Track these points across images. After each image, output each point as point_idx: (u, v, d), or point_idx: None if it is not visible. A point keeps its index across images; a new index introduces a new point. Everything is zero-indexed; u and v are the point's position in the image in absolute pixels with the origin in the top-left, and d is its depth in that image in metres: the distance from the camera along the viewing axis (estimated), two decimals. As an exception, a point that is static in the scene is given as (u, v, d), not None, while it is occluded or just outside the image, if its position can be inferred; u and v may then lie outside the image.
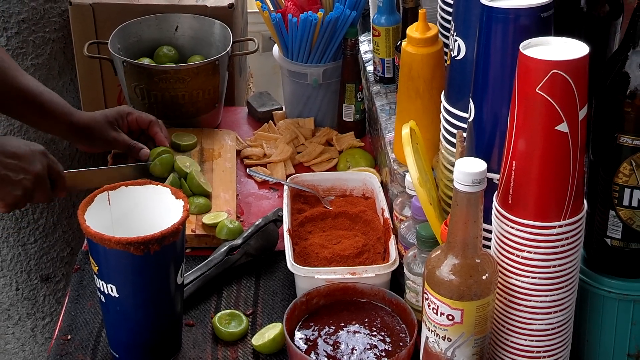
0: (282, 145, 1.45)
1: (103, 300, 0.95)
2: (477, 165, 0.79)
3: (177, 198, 0.98)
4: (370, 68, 1.47)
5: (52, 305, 1.88)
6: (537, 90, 0.77)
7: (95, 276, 0.94)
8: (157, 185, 0.99)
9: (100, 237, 0.89)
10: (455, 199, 0.81)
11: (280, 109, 1.58)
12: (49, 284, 1.86)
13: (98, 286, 0.94)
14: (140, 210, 0.99)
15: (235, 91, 1.69)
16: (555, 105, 0.76)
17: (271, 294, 1.13)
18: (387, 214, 1.18)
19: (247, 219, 1.31)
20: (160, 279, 0.94)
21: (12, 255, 1.80)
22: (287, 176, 1.39)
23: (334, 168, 1.42)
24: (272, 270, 1.18)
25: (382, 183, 1.28)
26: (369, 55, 1.51)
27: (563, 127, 0.77)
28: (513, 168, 0.81)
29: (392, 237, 1.13)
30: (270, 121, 1.54)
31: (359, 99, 1.46)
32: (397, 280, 1.10)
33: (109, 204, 0.98)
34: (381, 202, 1.21)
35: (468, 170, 0.79)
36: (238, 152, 1.45)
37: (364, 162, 1.40)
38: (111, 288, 0.92)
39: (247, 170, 1.39)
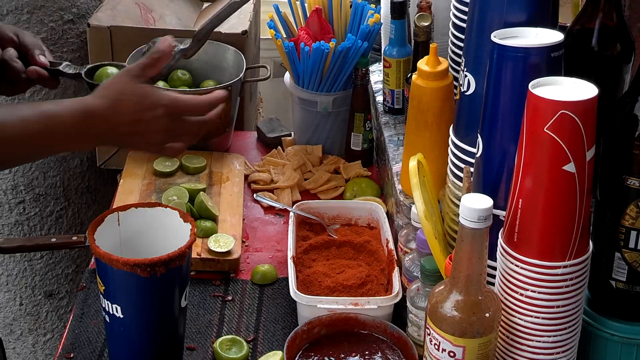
0: (289, 172, 1.46)
1: (107, 320, 0.95)
2: (483, 201, 0.80)
3: (185, 221, 0.98)
4: (379, 98, 1.48)
5: (54, 321, 1.88)
6: (545, 130, 0.77)
7: (101, 295, 0.95)
8: (166, 207, 1.00)
9: (108, 258, 0.90)
10: (460, 234, 0.81)
11: (290, 135, 1.59)
12: (53, 300, 1.86)
13: (103, 306, 0.95)
14: (149, 232, 1.00)
15: (244, 116, 1.71)
16: (562, 145, 0.77)
17: (273, 321, 1.13)
18: (391, 245, 1.18)
19: (252, 244, 1.31)
20: (165, 302, 0.94)
21: (17, 270, 1.81)
22: (294, 202, 1.40)
23: (341, 196, 1.43)
24: (275, 297, 1.18)
25: (387, 213, 1.29)
26: (379, 86, 1.53)
27: (570, 167, 0.78)
28: (519, 206, 0.81)
29: (396, 269, 1.13)
30: (279, 147, 1.56)
31: (368, 129, 1.47)
32: (399, 312, 1.10)
33: (119, 224, 0.99)
34: (386, 232, 1.22)
35: (474, 206, 0.79)
36: (246, 177, 1.46)
37: (370, 192, 1.41)
38: (116, 308, 0.93)
39: (255, 196, 1.40)
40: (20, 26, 1.61)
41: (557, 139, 0.77)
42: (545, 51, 0.84)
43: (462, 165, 0.99)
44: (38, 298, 1.85)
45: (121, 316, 0.93)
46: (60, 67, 1.10)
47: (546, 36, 0.87)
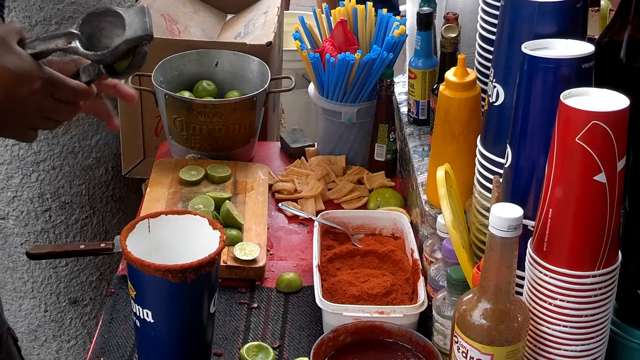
0: (313, 182, 1.47)
1: (138, 324, 0.96)
2: (513, 210, 0.80)
3: (214, 229, 1.00)
4: (404, 109, 1.49)
5: (78, 328, 1.90)
6: (576, 140, 0.78)
7: (132, 301, 0.96)
8: (195, 215, 1.02)
9: (140, 263, 0.92)
10: (489, 244, 0.82)
11: (313, 145, 1.60)
12: (77, 307, 1.88)
13: (134, 311, 0.96)
14: (178, 239, 1.01)
15: (268, 126, 1.72)
16: (594, 155, 0.78)
17: (298, 328, 1.14)
18: (416, 255, 1.19)
19: (276, 253, 1.32)
20: (195, 307, 0.95)
21: (43, 277, 1.84)
22: (317, 212, 1.41)
23: (364, 206, 1.44)
24: (300, 305, 1.19)
25: (411, 223, 1.29)
26: (403, 97, 1.54)
27: (601, 178, 0.78)
28: (549, 216, 0.82)
29: (421, 278, 1.13)
30: (303, 157, 1.57)
31: (392, 139, 1.48)
32: (424, 321, 1.10)
33: (149, 231, 1.00)
34: (411, 242, 1.22)
35: (504, 215, 0.80)
36: (270, 186, 1.48)
37: (394, 202, 1.42)
38: (147, 313, 0.94)
39: (280, 205, 1.41)
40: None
41: (589, 149, 0.77)
42: (576, 62, 0.85)
43: (490, 176, 1.00)
44: (63, 305, 1.87)
45: (152, 321, 0.94)
46: (82, 78, 0.92)
47: (576, 47, 0.88)
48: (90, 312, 1.90)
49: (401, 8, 4.38)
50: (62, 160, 1.75)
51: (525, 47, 0.88)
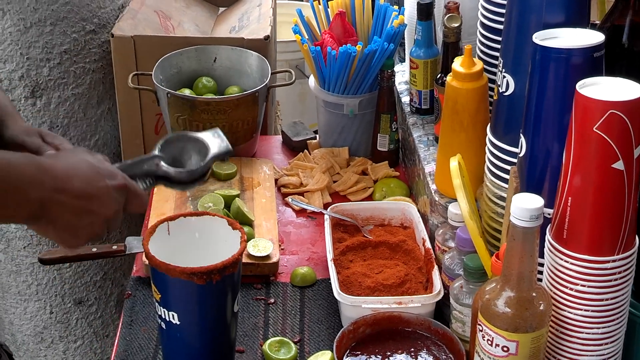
0: (318, 175, 1.48)
1: (163, 327, 0.97)
2: (534, 201, 0.82)
3: (233, 229, 1.01)
4: (405, 99, 1.51)
5: (84, 328, 1.91)
6: (594, 129, 0.80)
7: (156, 303, 0.97)
8: (214, 216, 1.02)
9: (165, 267, 0.92)
10: (511, 234, 0.84)
11: (315, 138, 1.61)
12: (82, 307, 1.88)
13: (159, 313, 0.97)
14: (198, 240, 1.02)
15: (267, 120, 1.73)
16: (611, 143, 0.79)
17: (317, 321, 1.16)
18: (428, 244, 1.21)
19: (287, 247, 1.33)
20: (219, 307, 0.96)
21: (47, 279, 1.83)
22: (325, 205, 1.42)
23: (370, 197, 1.45)
24: (316, 298, 1.21)
25: (419, 212, 1.31)
26: (404, 86, 1.55)
27: (619, 165, 0.80)
28: (569, 204, 0.84)
29: (435, 267, 1.15)
30: (305, 150, 1.58)
31: (394, 129, 1.49)
32: (439, 310, 1.12)
33: (169, 233, 1.01)
34: (421, 232, 1.24)
35: (526, 205, 0.82)
36: (275, 181, 1.48)
37: (399, 192, 1.43)
38: (173, 315, 0.95)
39: (290, 200, 1.42)
40: (44, 38, 1.63)
41: (607, 138, 0.79)
42: (588, 52, 0.87)
43: (501, 164, 1.02)
44: (68, 306, 1.87)
45: (178, 323, 0.95)
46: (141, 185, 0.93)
47: (586, 36, 0.89)
48: (95, 312, 1.91)
49: None
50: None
51: (536, 38, 0.89)
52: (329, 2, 1.53)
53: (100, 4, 1.69)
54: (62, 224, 0.80)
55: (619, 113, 0.78)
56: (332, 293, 1.13)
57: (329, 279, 1.18)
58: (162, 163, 0.90)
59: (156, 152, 0.91)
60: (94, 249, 1.27)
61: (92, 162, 0.83)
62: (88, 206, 0.80)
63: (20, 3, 1.59)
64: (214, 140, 0.93)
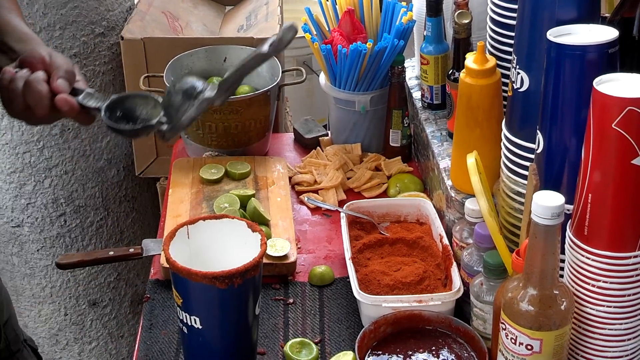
0: (332, 172, 1.48)
1: (185, 331, 0.98)
2: (555, 198, 0.82)
3: (253, 231, 1.01)
4: (416, 94, 1.50)
5: (98, 329, 1.92)
6: (613, 126, 0.80)
7: (178, 308, 0.97)
8: (233, 218, 1.03)
9: (186, 271, 0.93)
10: (533, 232, 0.84)
11: (327, 135, 1.61)
12: (97, 309, 1.90)
13: (181, 318, 0.98)
14: (217, 243, 1.02)
15: (279, 118, 1.73)
16: (631, 140, 0.79)
17: (336, 321, 1.16)
18: (446, 241, 1.21)
19: (304, 246, 1.34)
20: (241, 311, 0.97)
21: (61, 282, 1.85)
22: (340, 202, 1.42)
23: (384, 193, 1.45)
24: (335, 297, 1.21)
25: (435, 207, 1.31)
26: (414, 82, 1.55)
27: (638, 161, 0.80)
28: (589, 200, 0.84)
29: (454, 264, 1.15)
30: (318, 147, 1.58)
31: (406, 125, 1.49)
32: (459, 307, 1.13)
33: (188, 237, 1.01)
34: (438, 228, 1.24)
35: (547, 203, 0.82)
36: (289, 179, 1.49)
37: (413, 187, 1.43)
38: (195, 320, 0.95)
39: (306, 199, 1.42)
40: (54, 42, 1.63)
41: (626, 134, 0.79)
42: (603, 48, 0.87)
43: (517, 160, 1.02)
44: (82, 307, 1.89)
45: (200, 327, 0.96)
46: (80, 98, 0.95)
47: (600, 32, 0.89)
48: (110, 313, 1.92)
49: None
50: (74, 164, 1.75)
51: (550, 35, 0.89)
52: (337, 0, 1.53)
53: (108, 7, 1.69)
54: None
55: (637, 109, 0.79)
56: (351, 292, 1.13)
57: (347, 278, 1.18)
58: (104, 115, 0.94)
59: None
60: (111, 252, 1.28)
61: None
62: None
63: (29, 8, 1.59)
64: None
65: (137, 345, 1.12)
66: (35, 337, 1.89)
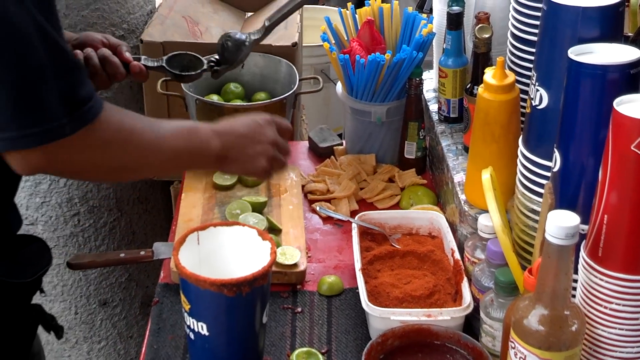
0: (345, 182, 1.48)
1: (192, 337, 0.98)
2: (570, 218, 0.81)
3: (263, 239, 1.01)
4: (433, 107, 1.50)
5: (108, 329, 1.92)
6: (632, 148, 0.79)
7: (185, 314, 0.97)
8: (243, 226, 1.03)
9: (195, 278, 0.93)
10: (546, 251, 0.83)
11: (341, 144, 1.61)
12: (107, 308, 1.90)
13: (188, 324, 0.97)
14: (227, 250, 1.02)
15: (294, 126, 1.73)
16: (649, 162, 0.78)
17: (344, 332, 1.16)
18: (457, 255, 1.20)
19: (314, 255, 1.33)
20: (249, 319, 0.97)
21: (73, 280, 1.85)
22: (352, 212, 1.42)
23: (397, 205, 1.45)
24: (343, 308, 1.21)
25: (447, 221, 1.30)
26: (432, 94, 1.54)
27: (656, 184, 0.79)
28: (604, 222, 0.83)
29: (465, 279, 1.14)
30: (332, 156, 1.58)
31: (421, 137, 1.49)
32: (468, 322, 1.12)
33: (198, 243, 1.01)
34: (450, 242, 1.23)
35: (562, 223, 0.81)
36: (302, 187, 1.48)
37: (427, 200, 1.43)
38: (202, 326, 0.95)
39: (318, 208, 1.42)
40: (73, 43, 1.64)
41: (644, 156, 0.78)
42: (625, 68, 0.86)
43: (533, 177, 1.01)
44: (93, 307, 1.89)
45: (207, 334, 0.96)
46: (142, 61, 1.20)
47: (621, 52, 0.88)
48: (120, 313, 1.92)
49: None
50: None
51: (571, 53, 0.88)
52: (357, 10, 1.53)
53: (129, 10, 1.70)
54: (242, 158, 1.07)
55: (658, 132, 0.77)
56: (360, 303, 1.12)
57: (356, 289, 1.18)
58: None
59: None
60: (122, 255, 1.28)
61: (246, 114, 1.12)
62: (254, 137, 1.08)
63: (51, 8, 1.60)
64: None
65: (144, 349, 1.12)
66: (44, 335, 1.89)
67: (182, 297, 0.97)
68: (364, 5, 1.52)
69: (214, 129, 1.06)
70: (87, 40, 1.17)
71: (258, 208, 1.35)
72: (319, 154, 1.60)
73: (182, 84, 1.50)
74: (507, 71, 1.12)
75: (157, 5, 1.82)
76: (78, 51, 1.14)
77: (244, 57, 1.25)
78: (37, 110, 0.86)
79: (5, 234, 1.06)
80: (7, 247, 1.05)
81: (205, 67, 1.25)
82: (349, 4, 1.54)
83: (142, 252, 1.27)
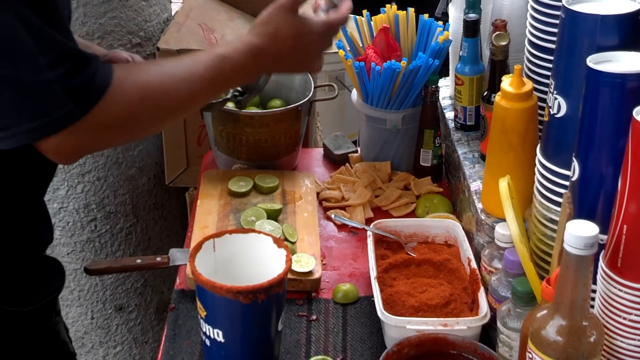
0: (360, 189, 1.47)
1: (208, 344, 0.98)
2: (589, 228, 0.81)
3: (278, 247, 1.01)
4: (449, 114, 1.49)
5: (123, 334, 1.93)
6: (651, 157, 0.78)
7: (201, 320, 0.97)
8: (259, 233, 1.03)
9: (211, 285, 0.93)
10: (564, 261, 0.82)
11: (356, 151, 1.61)
12: (123, 313, 1.91)
13: (204, 330, 0.98)
14: (243, 257, 1.02)
15: (309, 133, 1.73)
16: (669, 172, 0.78)
17: (359, 340, 1.15)
18: (474, 264, 1.19)
19: (329, 262, 1.33)
20: (264, 326, 0.97)
21: (89, 286, 1.86)
22: (367, 220, 1.42)
23: (412, 213, 1.44)
24: (359, 316, 1.20)
25: (464, 230, 1.30)
26: (447, 102, 1.54)
27: (677, 194, 0.78)
28: (624, 232, 0.82)
29: (482, 288, 1.14)
30: (347, 164, 1.57)
31: (437, 145, 1.48)
32: (485, 332, 1.11)
33: (214, 250, 1.01)
34: (466, 251, 1.23)
35: (581, 233, 0.80)
36: (316, 194, 1.48)
37: (442, 208, 1.42)
38: (217, 333, 0.95)
39: (333, 216, 1.42)
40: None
41: (665, 166, 0.77)
42: (644, 76, 0.85)
43: (551, 186, 1.00)
44: (109, 312, 1.90)
45: (222, 340, 0.96)
46: None
47: (640, 60, 0.88)
48: (135, 318, 1.93)
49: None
50: (107, 171, 1.77)
51: (590, 62, 0.88)
52: (372, 17, 1.53)
53: (146, 17, 1.72)
54: (290, 69, 1.20)
55: (678, 141, 0.77)
56: (375, 311, 1.12)
57: (372, 297, 1.17)
58: None
59: None
60: (138, 261, 1.29)
61: (291, 24, 1.07)
62: (300, 55, 1.09)
63: (69, 16, 1.62)
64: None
65: (160, 355, 1.12)
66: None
67: (198, 304, 0.97)
68: (380, 13, 1.52)
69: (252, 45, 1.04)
70: (114, 58, 1.19)
71: (273, 215, 1.35)
72: (334, 161, 1.60)
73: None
74: (525, 79, 1.11)
75: (173, 13, 1.84)
76: None
77: (263, 84, 1.26)
78: (43, 100, 0.87)
79: (34, 246, 1.06)
80: (24, 269, 1.04)
81: (229, 96, 1.27)
82: (364, 12, 1.54)
83: (159, 258, 1.27)
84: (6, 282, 1.03)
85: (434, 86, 1.44)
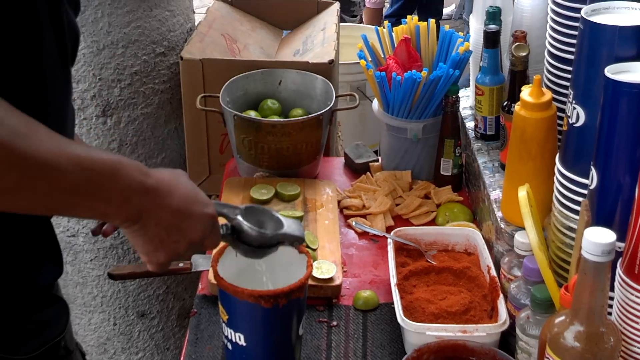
0: (381, 198, 1.49)
1: (229, 347, 1.00)
2: (606, 235, 0.81)
3: (299, 252, 1.02)
4: (469, 124, 1.51)
5: (145, 340, 1.95)
6: (669, 166, 0.79)
7: (224, 324, 0.99)
8: (281, 239, 1.04)
9: (233, 289, 0.95)
10: (582, 268, 0.83)
11: (377, 160, 1.62)
12: (145, 320, 1.93)
13: (226, 334, 0.99)
14: (264, 262, 1.04)
15: (330, 142, 1.75)
16: (687, 180, 0.78)
17: (379, 346, 1.16)
18: (493, 272, 1.20)
19: (349, 269, 1.35)
20: (285, 330, 0.98)
21: (112, 292, 1.89)
22: (387, 228, 1.43)
23: (433, 221, 1.45)
24: (379, 323, 1.21)
25: (484, 238, 1.30)
26: (468, 112, 1.55)
27: (695, 202, 0.79)
28: (642, 239, 0.83)
29: (501, 296, 1.14)
30: (368, 173, 1.59)
31: (458, 154, 1.50)
32: (504, 339, 1.12)
33: (236, 255, 1.03)
34: (486, 259, 1.24)
35: (598, 240, 0.81)
36: (337, 202, 1.50)
37: (462, 217, 1.43)
38: (239, 337, 0.97)
39: (354, 224, 1.43)
40: (116, 60, 1.69)
41: (683, 174, 0.78)
42: (662, 86, 0.86)
43: (570, 195, 1.01)
44: (131, 318, 1.93)
45: (244, 344, 0.97)
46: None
47: (660, 70, 0.89)
48: (157, 325, 1.95)
49: (445, 10, 4.39)
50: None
51: (608, 72, 0.89)
52: (393, 28, 1.55)
53: (170, 27, 1.75)
54: (151, 235, 0.81)
55: (696, 150, 0.77)
56: (395, 318, 1.13)
57: (392, 303, 1.19)
58: (240, 216, 0.92)
59: (241, 206, 0.95)
60: None
61: (193, 186, 0.85)
62: (179, 225, 0.82)
63: (94, 26, 1.65)
64: (292, 225, 0.97)
65: (182, 358, 1.14)
66: (84, 345, 1.94)
67: (221, 308, 0.99)
68: (401, 24, 1.54)
69: (148, 176, 0.79)
70: None
71: (294, 222, 1.37)
72: (355, 170, 1.62)
73: (220, 101, 1.53)
74: (544, 89, 1.12)
75: (196, 24, 1.87)
76: None
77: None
78: None
79: (36, 286, 0.90)
80: (25, 311, 0.88)
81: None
82: (386, 22, 1.56)
83: (181, 264, 1.29)
84: (4, 327, 0.88)
85: (454, 96, 1.45)
